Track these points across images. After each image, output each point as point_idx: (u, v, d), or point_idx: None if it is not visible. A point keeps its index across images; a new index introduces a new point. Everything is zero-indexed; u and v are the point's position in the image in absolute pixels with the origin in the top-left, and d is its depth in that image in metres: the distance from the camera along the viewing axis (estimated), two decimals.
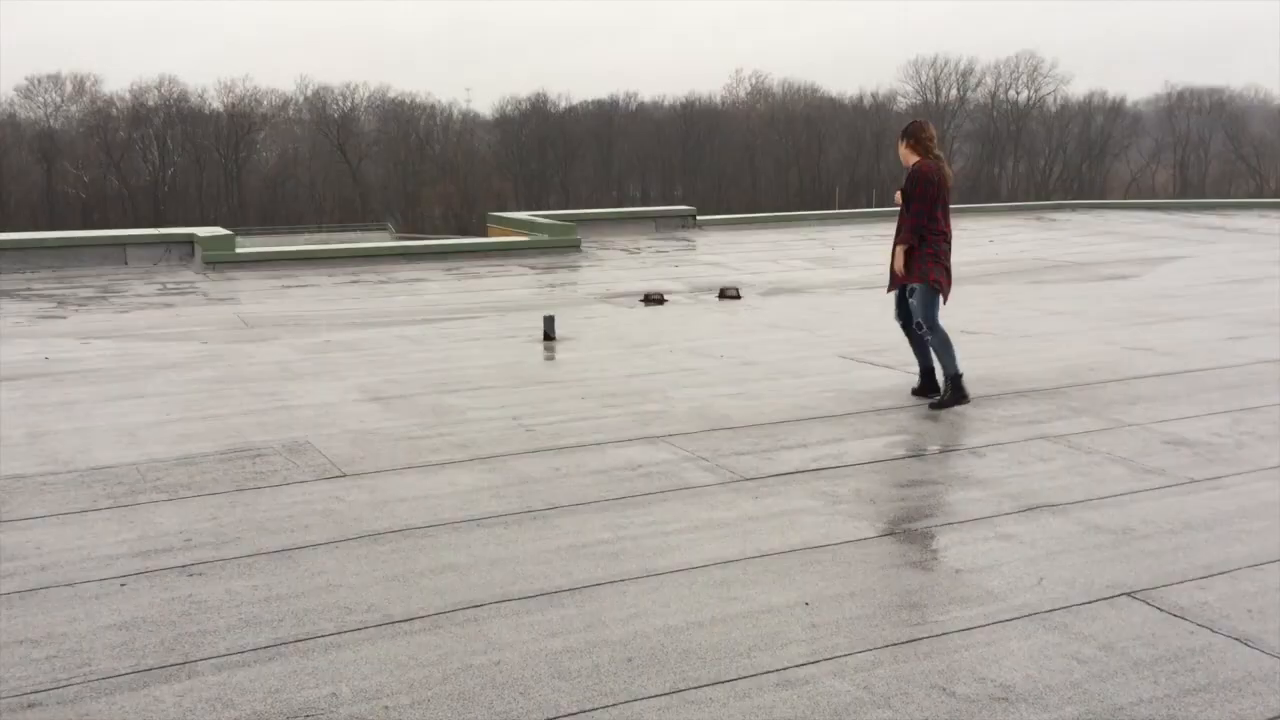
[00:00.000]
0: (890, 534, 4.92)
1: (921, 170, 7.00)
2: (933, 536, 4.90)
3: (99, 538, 4.88)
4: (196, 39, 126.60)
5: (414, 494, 5.46)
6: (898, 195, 7.19)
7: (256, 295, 12.54)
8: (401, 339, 9.75)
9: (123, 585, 4.37)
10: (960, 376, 7.04)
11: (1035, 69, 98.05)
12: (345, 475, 5.77)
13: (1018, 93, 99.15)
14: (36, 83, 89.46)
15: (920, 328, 7.08)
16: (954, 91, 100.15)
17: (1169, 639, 3.90)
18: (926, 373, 7.31)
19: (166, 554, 4.68)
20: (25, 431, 6.68)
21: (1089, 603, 4.19)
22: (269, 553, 4.69)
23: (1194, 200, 30.48)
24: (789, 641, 3.87)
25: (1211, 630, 3.96)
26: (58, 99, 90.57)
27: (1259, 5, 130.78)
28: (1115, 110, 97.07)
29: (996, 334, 9.69)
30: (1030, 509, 5.22)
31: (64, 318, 11.03)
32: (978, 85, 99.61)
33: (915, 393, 7.36)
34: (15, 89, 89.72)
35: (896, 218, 7.26)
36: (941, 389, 7.11)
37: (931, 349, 7.13)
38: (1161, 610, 4.13)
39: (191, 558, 4.64)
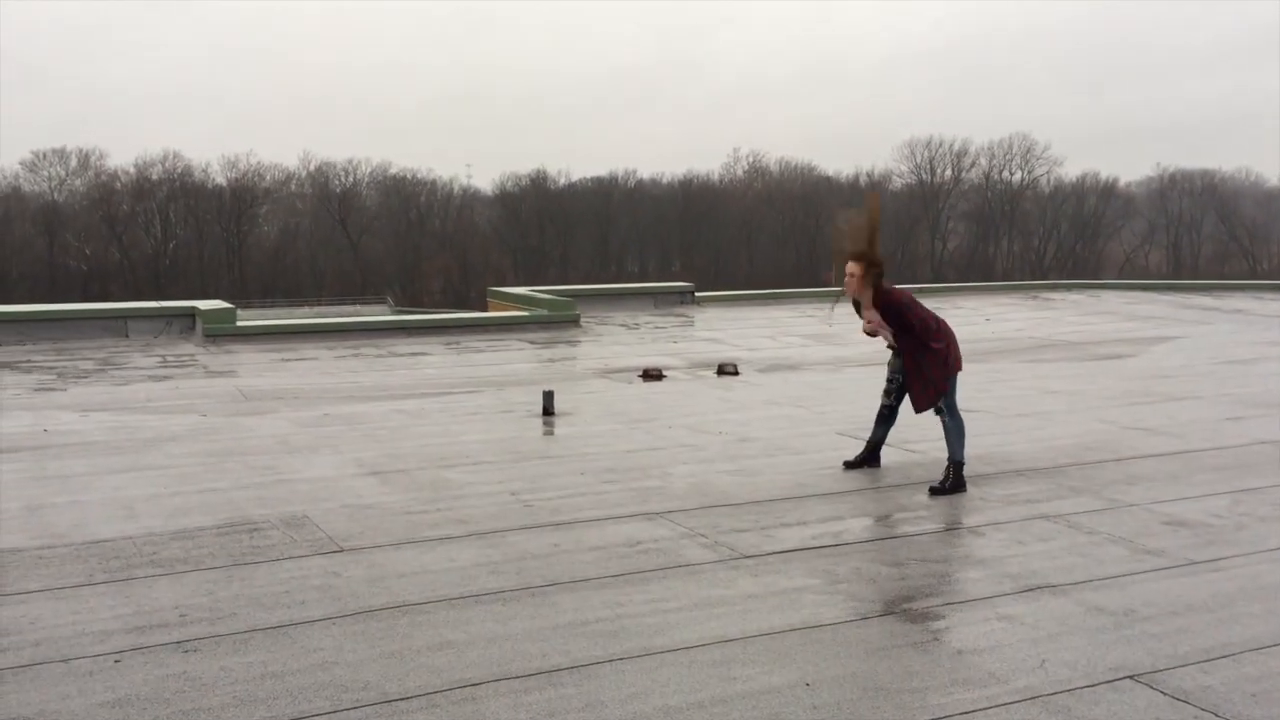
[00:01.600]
0: (891, 614, 4.90)
1: (895, 299, 6.97)
2: (933, 617, 4.87)
3: (94, 613, 4.85)
4: (201, 114, 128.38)
5: (411, 570, 5.44)
6: (867, 322, 7.17)
7: (256, 368, 12.57)
8: (400, 413, 9.77)
9: (117, 661, 4.33)
10: (962, 465, 7.02)
11: (1029, 150, 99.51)
12: (343, 550, 5.75)
13: (1012, 173, 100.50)
14: (42, 156, 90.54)
15: (940, 411, 7.02)
16: (948, 171, 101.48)
17: None
18: (875, 445, 7.55)
19: (162, 629, 4.65)
20: (22, 504, 6.66)
21: (1091, 686, 4.16)
22: (265, 629, 4.66)
23: (1188, 281, 30.74)
24: None
25: (1215, 715, 3.92)
26: (62, 173, 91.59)
27: (1248, 93, 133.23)
28: (1108, 191, 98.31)
29: (994, 412, 9.71)
30: (1031, 589, 5.20)
31: (64, 390, 11.05)
32: (972, 166, 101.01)
33: (850, 465, 7.53)
34: (20, 163, 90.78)
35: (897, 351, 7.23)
36: (943, 474, 7.04)
37: (946, 431, 7.03)
38: (1165, 694, 4.09)
39: (187, 634, 4.61)
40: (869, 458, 7.56)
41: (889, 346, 7.31)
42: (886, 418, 7.52)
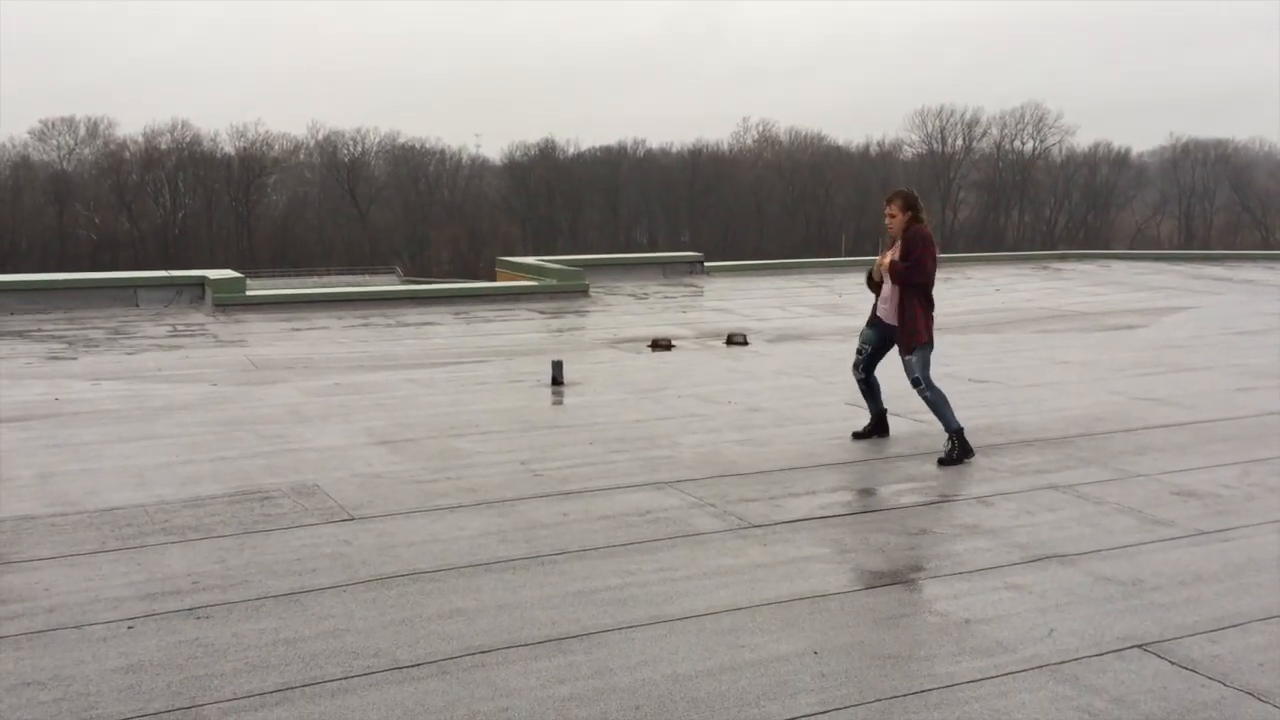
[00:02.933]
0: (899, 583, 4.91)
1: (925, 233, 7.06)
2: (941, 586, 4.88)
3: (107, 580, 4.88)
4: (210, 84, 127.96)
5: (422, 538, 5.46)
6: (886, 258, 7.22)
7: (266, 337, 12.60)
8: (410, 382, 9.78)
9: (130, 627, 4.36)
10: (961, 431, 7.01)
11: (1041, 120, 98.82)
12: (353, 519, 5.77)
13: (1023, 143, 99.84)
14: (50, 126, 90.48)
15: (918, 384, 7.03)
16: (959, 141, 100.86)
17: (1180, 693, 3.87)
18: (879, 416, 7.61)
19: (174, 596, 4.68)
20: (35, 472, 6.70)
21: (1099, 655, 4.17)
22: (276, 596, 4.69)
23: (1199, 251, 30.57)
24: (798, 691, 3.85)
25: (1223, 684, 3.93)
26: (71, 142, 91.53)
27: (1262, 65, 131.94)
28: (1120, 161, 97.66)
29: (1003, 383, 9.69)
30: (1039, 559, 5.21)
31: (74, 359, 11.08)
32: (983, 135, 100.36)
33: (859, 435, 7.59)
34: (29, 132, 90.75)
35: (887, 281, 7.28)
36: (946, 444, 7.03)
37: (930, 406, 7.07)
38: (1173, 663, 4.10)
39: (199, 600, 4.64)
40: (876, 428, 7.60)
41: (881, 274, 7.27)
42: (869, 390, 7.58)
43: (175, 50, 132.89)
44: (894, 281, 7.15)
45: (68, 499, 6.13)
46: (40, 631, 4.32)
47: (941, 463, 6.91)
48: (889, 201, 7.24)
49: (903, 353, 7.10)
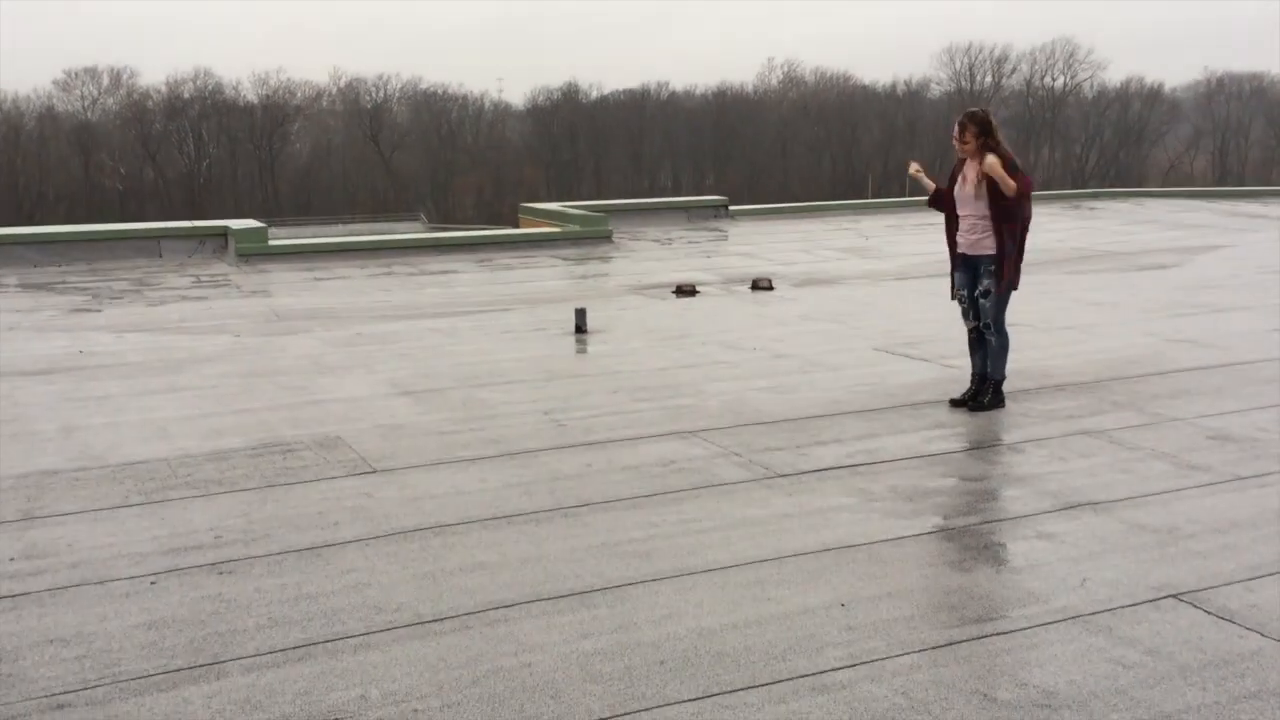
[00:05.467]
0: (927, 533, 4.83)
1: (1024, 174, 6.57)
2: (971, 535, 4.80)
3: (130, 535, 4.87)
4: (231, 32, 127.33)
5: (444, 490, 5.42)
6: (973, 171, 6.64)
7: (289, 288, 12.56)
8: (433, 332, 9.73)
9: (153, 583, 4.35)
10: (1003, 381, 6.87)
11: (1072, 55, 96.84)
12: (376, 471, 5.74)
13: (1054, 79, 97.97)
14: (74, 76, 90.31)
15: (989, 329, 6.76)
16: (989, 79, 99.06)
17: (1217, 643, 3.79)
18: (980, 378, 6.93)
19: (196, 551, 4.66)
20: (58, 426, 6.70)
21: (1134, 605, 4.08)
22: (298, 550, 4.66)
23: (1234, 188, 29.99)
24: (825, 644, 3.79)
25: (1261, 634, 3.84)
26: (95, 92, 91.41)
27: None
28: (1153, 97, 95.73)
29: (1035, 325, 9.53)
30: (1071, 507, 5.11)
31: (98, 311, 11.09)
32: (1013, 72, 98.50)
33: (958, 402, 6.92)
34: (53, 82, 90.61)
35: (970, 207, 6.67)
36: (981, 390, 6.86)
37: (991, 350, 6.80)
38: (1209, 613, 4.01)
39: (221, 555, 4.62)
40: (978, 390, 6.92)
41: (974, 187, 6.64)
42: (979, 342, 6.89)
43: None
44: (1005, 193, 6.47)
45: (91, 453, 6.12)
46: (63, 587, 4.31)
47: (973, 408, 6.79)
48: (961, 126, 6.63)
49: (992, 288, 6.68)
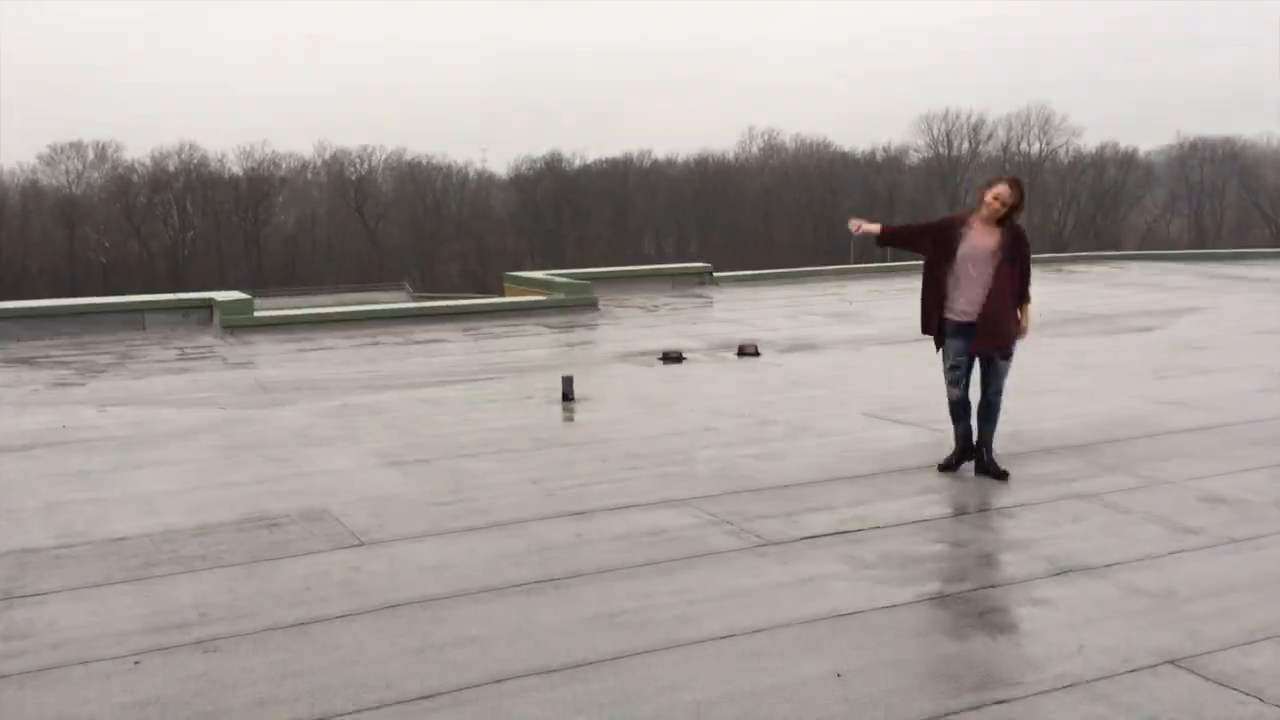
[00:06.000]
0: (921, 600, 4.78)
1: (1024, 233, 6.63)
2: (966, 602, 4.76)
3: (113, 613, 4.79)
4: (216, 106, 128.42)
5: (433, 563, 5.36)
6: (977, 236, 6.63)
7: (274, 359, 12.52)
8: (420, 402, 9.69)
9: (137, 663, 4.26)
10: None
11: (1047, 121, 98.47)
12: (363, 544, 5.67)
13: (1030, 145, 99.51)
14: (59, 150, 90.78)
15: (999, 395, 6.71)
16: (965, 145, 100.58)
17: (1216, 709, 3.75)
18: (968, 437, 6.89)
19: (181, 629, 4.58)
20: (41, 502, 6.61)
21: (1131, 671, 4.04)
22: (285, 627, 4.59)
23: (1211, 250, 30.35)
24: (822, 716, 3.73)
25: (1260, 700, 3.81)
26: (80, 166, 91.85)
27: (1267, 64, 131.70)
28: (1128, 161, 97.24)
29: (1023, 389, 9.51)
30: (1066, 571, 5.08)
31: (82, 385, 11.02)
32: (989, 138, 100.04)
33: (946, 467, 6.89)
34: (38, 157, 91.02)
35: (984, 276, 6.59)
36: (980, 456, 6.81)
37: (992, 415, 6.73)
38: (1207, 679, 3.97)
39: (207, 633, 4.54)
40: (965, 451, 6.87)
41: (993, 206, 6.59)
42: (966, 410, 6.83)
43: (182, 74, 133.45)
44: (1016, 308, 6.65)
45: (74, 529, 6.04)
46: (44, 669, 4.22)
47: (992, 473, 6.72)
48: (1009, 185, 6.58)
49: (1000, 356, 6.66)
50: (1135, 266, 22.66)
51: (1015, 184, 6.66)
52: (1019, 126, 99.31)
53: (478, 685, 4.01)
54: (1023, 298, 6.75)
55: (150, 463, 7.57)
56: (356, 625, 4.59)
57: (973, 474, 6.75)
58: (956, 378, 6.80)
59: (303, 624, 4.61)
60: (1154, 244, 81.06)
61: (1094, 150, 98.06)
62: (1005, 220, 6.61)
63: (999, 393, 6.76)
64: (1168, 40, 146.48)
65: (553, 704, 3.85)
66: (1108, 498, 6.24)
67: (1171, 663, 4.11)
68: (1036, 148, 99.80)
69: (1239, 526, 5.67)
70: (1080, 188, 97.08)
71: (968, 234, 6.65)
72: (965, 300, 6.66)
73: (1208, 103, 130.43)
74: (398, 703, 3.89)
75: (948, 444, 7.40)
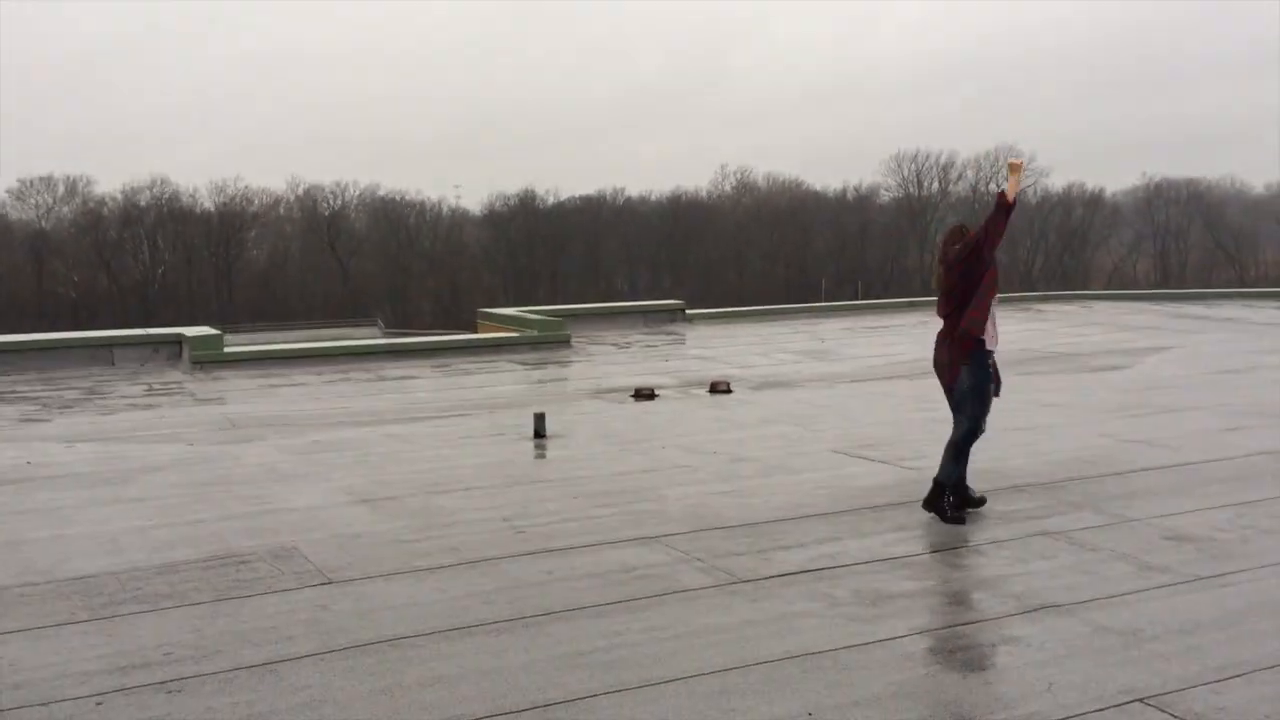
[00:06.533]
0: (892, 638, 4.78)
1: (991, 270, 6.54)
2: (936, 640, 4.76)
3: (75, 652, 4.71)
4: (187, 141, 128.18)
5: (402, 601, 5.31)
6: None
7: (244, 395, 12.44)
8: (390, 438, 9.64)
9: (99, 704, 4.20)
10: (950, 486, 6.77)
11: None
12: (332, 582, 5.62)
13: (998, 185, 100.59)
14: (29, 184, 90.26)
15: (955, 430, 6.71)
16: (935, 185, 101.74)
17: None
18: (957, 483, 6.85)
19: (145, 669, 4.51)
20: (3, 540, 6.51)
21: (1100, 710, 4.05)
22: (251, 666, 4.53)
23: (1176, 290, 30.76)
24: None
25: None
26: (50, 200, 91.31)
27: (1236, 105, 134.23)
28: (1094, 201, 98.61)
29: (991, 426, 9.58)
30: (1035, 609, 5.10)
31: (48, 420, 10.90)
32: (959, 179, 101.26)
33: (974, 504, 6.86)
34: (7, 191, 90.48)
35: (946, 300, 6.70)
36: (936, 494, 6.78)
37: (951, 450, 6.72)
38: (1175, 717, 3.99)
39: (171, 673, 4.47)
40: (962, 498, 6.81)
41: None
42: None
43: (154, 108, 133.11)
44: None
45: (37, 568, 5.95)
46: (4, 710, 4.14)
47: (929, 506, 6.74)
48: (946, 241, 6.73)
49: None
50: (1102, 305, 22.92)
51: (948, 235, 6.77)
52: (988, 167, 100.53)
53: None
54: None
55: (116, 499, 7.48)
56: (324, 665, 4.54)
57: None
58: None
59: (269, 664, 4.56)
60: (1120, 283, 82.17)
61: (1061, 190, 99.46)
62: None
63: (955, 428, 6.73)
64: (1135, 81, 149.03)
65: None
66: (1075, 535, 6.27)
67: (1141, 700, 4.12)
68: None
69: (1204, 564, 5.72)
70: (1048, 227, 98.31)
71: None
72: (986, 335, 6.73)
73: (1173, 144, 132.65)
74: None
75: (920, 480, 7.43)
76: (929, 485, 6.84)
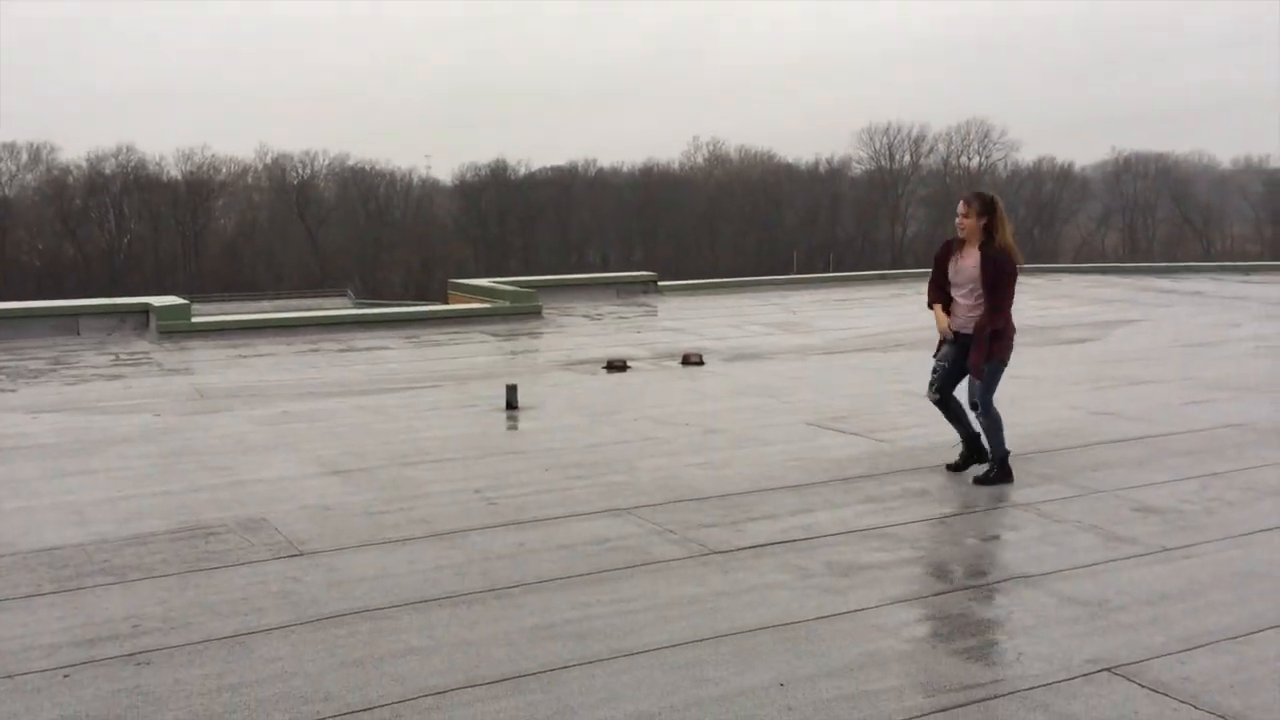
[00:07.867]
0: (864, 608, 4.81)
1: (1011, 258, 6.70)
2: (906, 610, 4.79)
3: (42, 625, 4.67)
4: (156, 110, 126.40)
5: (373, 573, 5.29)
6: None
7: (212, 365, 12.33)
8: (361, 409, 9.58)
9: (66, 676, 4.16)
10: (1008, 455, 6.87)
11: (985, 135, 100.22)
12: (302, 554, 5.59)
13: (969, 159, 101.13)
14: None
15: (976, 408, 6.80)
16: (907, 158, 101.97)
17: (1151, 716, 3.80)
18: (970, 440, 7.07)
19: (113, 641, 4.48)
20: None
21: (1068, 679, 4.09)
22: (221, 638, 4.50)
23: (1144, 264, 31.00)
24: None
25: (1194, 706, 3.87)
26: (13, 168, 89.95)
27: (1205, 81, 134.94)
28: (1064, 175, 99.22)
29: (960, 399, 9.66)
30: (1003, 580, 5.14)
31: (13, 391, 10.76)
32: (930, 152, 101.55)
33: (955, 467, 7.07)
34: None
35: (969, 296, 6.84)
36: (989, 463, 6.90)
37: (984, 430, 6.86)
38: (1142, 686, 4.04)
39: (139, 645, 4.44)
40: (972, 453, 7.06)
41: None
42: (950, 412, 7.05)
43: (120, 76, 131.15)
44: (980, 337, 6.75)
45: (2, 539, 5.88)
46: None
47: (978, 481, 6.80)
48: (964, 201, 6.78)
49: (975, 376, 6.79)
50: (1070, 279, 23.07)
51: (973, 200, 6.81)
52: (959, 140, 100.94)
53: (417, 697, 3.96)
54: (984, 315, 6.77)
55: (83, 470, 7.40)
56: (295, 636, 4.52)
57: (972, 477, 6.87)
58: (931, 380, 7.03)
59: (239, 635, 4.53)
60: (1089, 257, 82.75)
61: (1031, 164, 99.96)
62: (983, 234, 6.73)
63: (977, 406, 6.82)
64: (1105, 56, 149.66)
65: (493, 715, 3.82)
66: (1043, 507, 6.33)
67: (1108, 670, 4.17)
68: (976, 161, 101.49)
69: (1171, 536, 5.78)
70: (1018, 201, 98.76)
71: (957, 256, 6.89)
72: (957, 321, 6.94)
73: (1143, 118, 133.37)
74: (336, 715, 3.83)
75: (892, 453, 7.49)
76: (908, 456, 6.90)
